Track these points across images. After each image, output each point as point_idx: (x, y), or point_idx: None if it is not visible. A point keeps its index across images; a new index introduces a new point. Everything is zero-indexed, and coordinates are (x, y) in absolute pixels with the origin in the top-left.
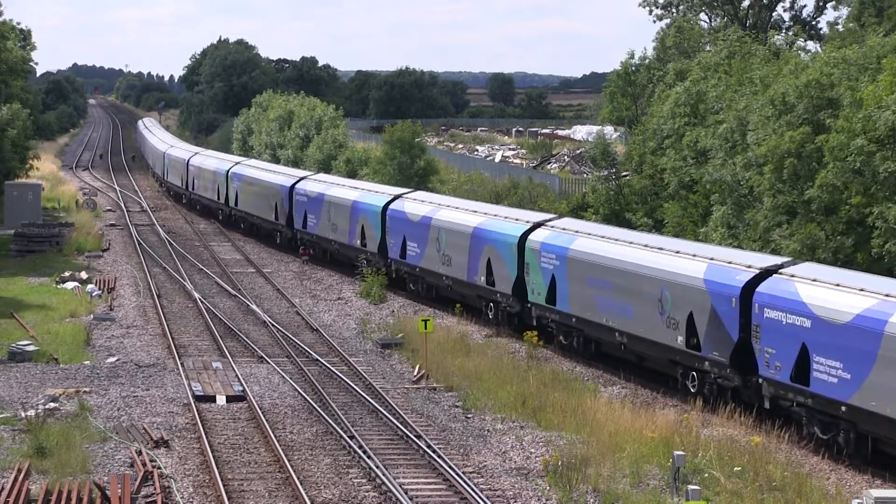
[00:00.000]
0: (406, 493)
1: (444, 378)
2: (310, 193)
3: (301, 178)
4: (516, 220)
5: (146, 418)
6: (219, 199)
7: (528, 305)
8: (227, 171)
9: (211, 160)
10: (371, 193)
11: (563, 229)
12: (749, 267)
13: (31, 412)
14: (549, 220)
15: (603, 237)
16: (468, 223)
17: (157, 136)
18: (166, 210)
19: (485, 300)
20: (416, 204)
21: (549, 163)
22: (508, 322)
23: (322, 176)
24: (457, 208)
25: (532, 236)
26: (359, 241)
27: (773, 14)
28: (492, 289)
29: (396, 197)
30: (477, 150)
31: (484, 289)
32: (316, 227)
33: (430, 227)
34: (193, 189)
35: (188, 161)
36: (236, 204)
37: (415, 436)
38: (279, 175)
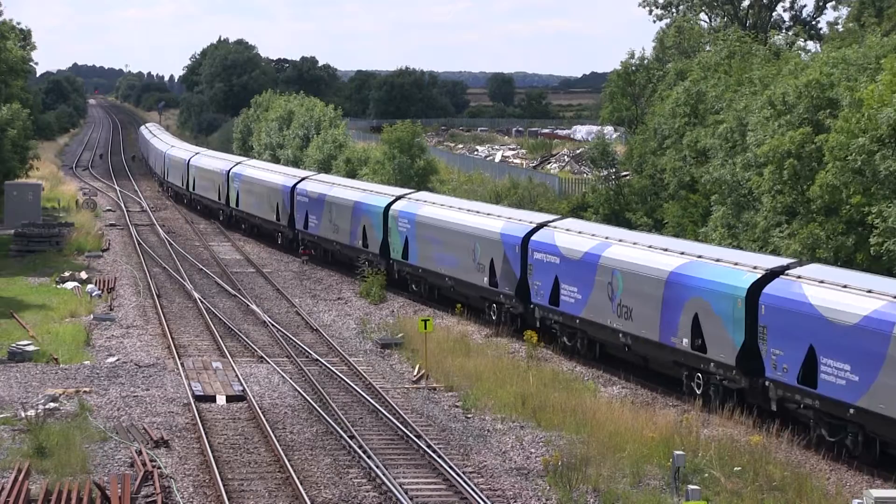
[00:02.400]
0: (406, 493)
1: (444, 378)
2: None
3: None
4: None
5: (146, 418)
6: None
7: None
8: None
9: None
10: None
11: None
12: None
13: (31, 412)
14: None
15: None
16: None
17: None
18: (166, 210)
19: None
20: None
21: (548, 163)
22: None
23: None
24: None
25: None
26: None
27: (773, 14)
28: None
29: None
30: (477, 150)
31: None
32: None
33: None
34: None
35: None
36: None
37: (415, 436)
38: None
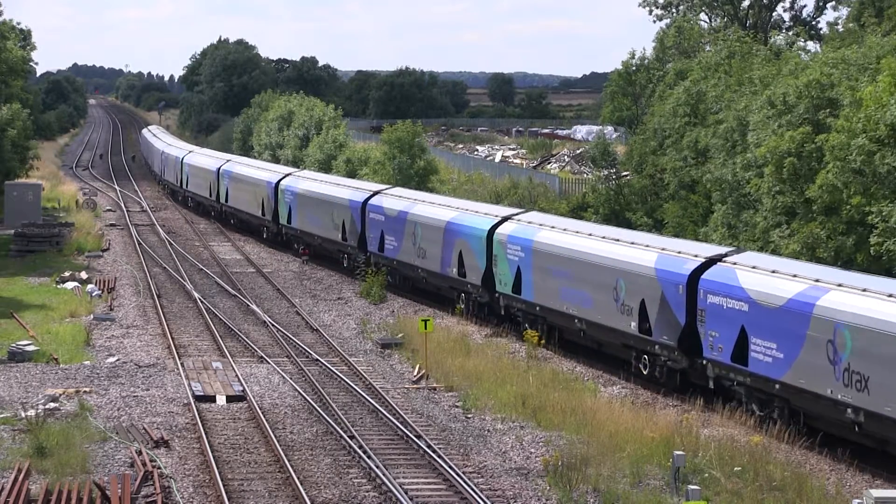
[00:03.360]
0: (406, 493)
1: (444, 378)
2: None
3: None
4: (483, 213)
5: (146, 418)
6: (211, 195)
7: (497, 295)
8: (219, 169)
9: (204, 158)
10: (471, 214)
11: (530, 223)
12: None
13: (31, 412)
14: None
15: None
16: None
17: (160, 138)
18: (166, 210)
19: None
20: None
21: (549, 163)
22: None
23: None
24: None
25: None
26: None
27: (773, 14)
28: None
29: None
30: (477, 150)
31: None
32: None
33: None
34: (187, 187)
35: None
36: (227, 200)
37: (415, 436)
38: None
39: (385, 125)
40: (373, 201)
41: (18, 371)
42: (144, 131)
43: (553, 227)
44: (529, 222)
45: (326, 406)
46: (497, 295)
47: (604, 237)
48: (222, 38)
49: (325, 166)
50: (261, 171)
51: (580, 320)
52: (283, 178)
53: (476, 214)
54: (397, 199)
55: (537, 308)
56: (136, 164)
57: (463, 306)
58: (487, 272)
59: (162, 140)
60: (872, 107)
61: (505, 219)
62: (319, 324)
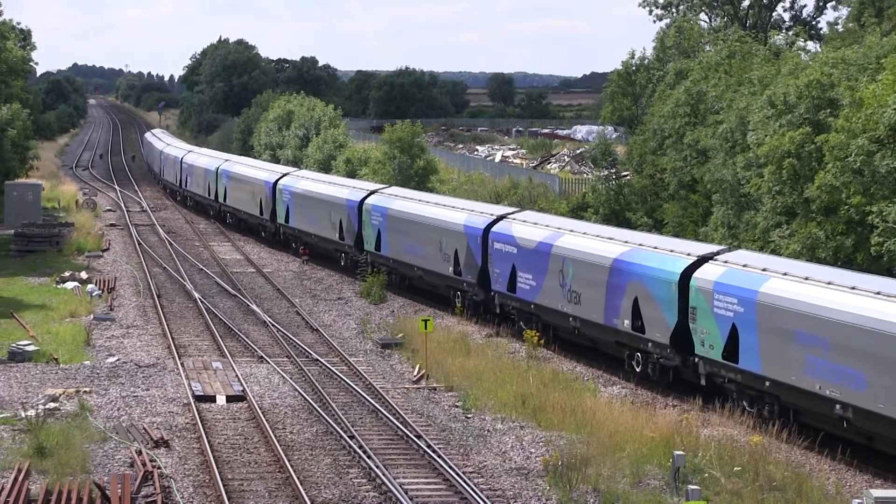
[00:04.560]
0: (406, 493)
1: (444, 378)
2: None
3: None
4: (671, 251)
5: (146, 418)
6: (209, 195)
7: (696, 359)
8: (217, 169)
9: (203, 158)
10: (650, 252)
11: (747, 269)
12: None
13: (31, 412)
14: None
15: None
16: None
17: (160, 139)
18: (166, 210)
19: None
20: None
21: (549, 163)
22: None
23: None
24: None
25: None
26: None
27: (773, 14)
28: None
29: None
30: (477, 150)
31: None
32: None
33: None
34: (186, 186)
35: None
36: (225, 200)
37: (415, 436)
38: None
39: (385, 125)
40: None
41: (18, 371)
42: (147, 134)
43: (786, 275)
44: (747, 268)
45: (326, 406)
46: (696, 359)
47: (850, 288)
48: (222, 38)
49: (325, 166)
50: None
51: (844, 406)
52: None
53: (659, 253)
54: (534, 228)
55: (766, 384)
56: (136, 164)
57: (639, 368)
58: (679, 327)
59: (162, 141)
60: (873, 107)
61: (704, 259)
62: (319, 324)
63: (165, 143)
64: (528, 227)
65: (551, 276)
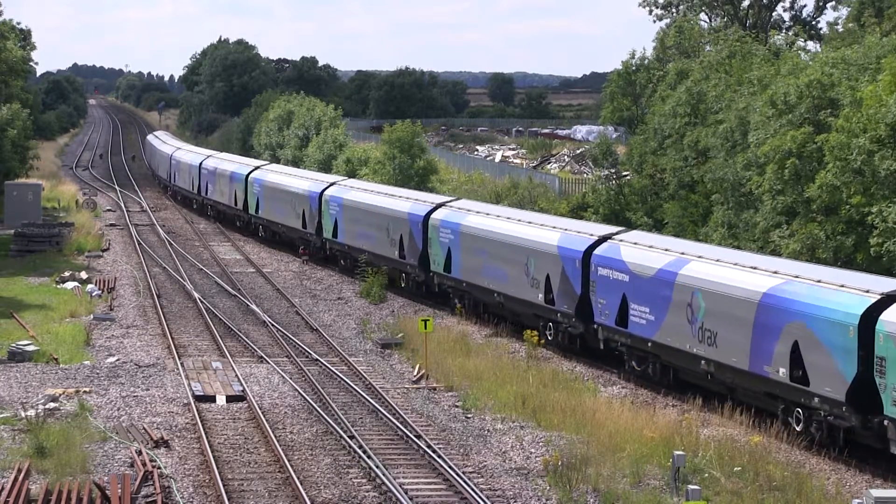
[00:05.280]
0: (406, 493)
1: (444, 378)
2: (343, 200)
3: (331, 184)
4: (416, 199)
5: (146, 418)
6: (236, 205)
7: (886, 420)
8: (247, 176)
9: (228, 164)
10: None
11: (460, 209)
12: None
13: (31, 412)
14: (449, 200)
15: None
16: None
17: (169, 142)
18: (166, 210)
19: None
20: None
21: (549, 163)
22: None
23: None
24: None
25: (434, 214)
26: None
27: (773, 14)
28: (403, 261)
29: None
30: (477, 150)
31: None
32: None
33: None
34: (207, 194)
35: (201, 164)
36: (257, 211)
37: (415, 436)
38: (307, 181)
39: (385, 125)
40: (437, 215)
41: (18, 371)
42: (150, 137)
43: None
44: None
45: (326, 406)
46: (884, 421)
47: None
48: (222, 38)
49: (325, 166)
50: (301, 179)
51: None
52: (328, 187)
53: (829, 288)
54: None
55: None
56: (136, 164)
57: (799, 427)
58: (862, 382)
59: (169, 144)
60: (873, 106)
61: (891, 298)
62: (319, 324)
63: (174, 146)
64: (643, 251)
65: (676, 310)
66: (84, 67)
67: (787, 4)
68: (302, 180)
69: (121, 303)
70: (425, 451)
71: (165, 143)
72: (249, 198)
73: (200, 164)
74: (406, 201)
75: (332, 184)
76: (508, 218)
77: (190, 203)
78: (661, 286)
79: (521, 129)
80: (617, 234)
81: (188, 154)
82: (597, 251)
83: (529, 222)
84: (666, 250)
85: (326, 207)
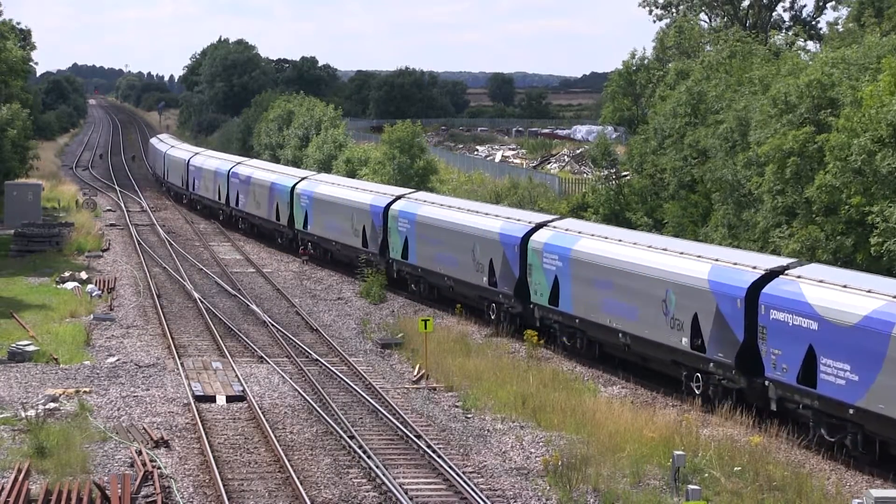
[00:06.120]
0: (406, 493)
1: (444, 378)
2: (414, 216)
3: (398, 197)
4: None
5: (146, 418)
6: (277, 218)
7: (297, 231)
8: (293, 188)
9: (265, 173)
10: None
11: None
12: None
13: (31, 412)
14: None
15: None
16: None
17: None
18: (166, 210)
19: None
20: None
21: (548, 163)
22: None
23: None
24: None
25: (534, 236)
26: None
27: (773, 14)
28: (494, 289)
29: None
30: (477, 150)
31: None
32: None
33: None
34: (237, 205)
35: (229, 171)
36: (305, 226)
37: (415, 436)
38: (368, 193)
39: (385, 125)
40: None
41: (18, 371)
42: (154, 140)
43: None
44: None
45: (326, 406)
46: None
47: None
48: (222, 38)
49: (325, 166)
50: (360, 192)
51: None
52: (395, 200)
53: None
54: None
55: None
56: (136, 164)
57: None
58: None
59: (181, 149)
60: (875, 106)
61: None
62: (319, 324)
63: (189, 150)
64: (837, 292)
65: (890, 370)
66: (84, 67)
67: (787, 4)
68: (362, 193)
69: (121, 303)
70: (425, 451)
71: (175, 147)
72: (296, 212)
73: (230, 171)
74: (700, 262)
75: (398, 197)
76: (459, 208)
77: (269, 235)
78: (869, 339)
79: (521, 129)
80: (790, 267)
81: (212, 160)
82: (767, 289)
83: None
84: (869, 291)
85: (395, 224)
